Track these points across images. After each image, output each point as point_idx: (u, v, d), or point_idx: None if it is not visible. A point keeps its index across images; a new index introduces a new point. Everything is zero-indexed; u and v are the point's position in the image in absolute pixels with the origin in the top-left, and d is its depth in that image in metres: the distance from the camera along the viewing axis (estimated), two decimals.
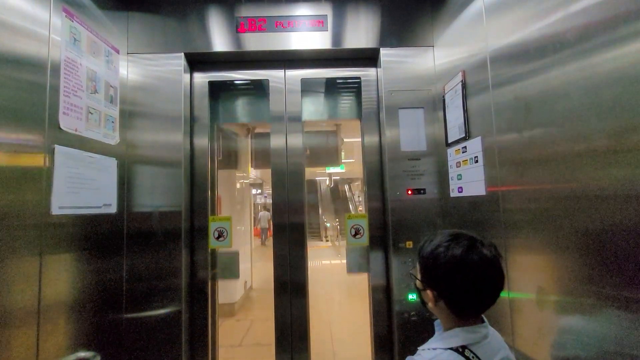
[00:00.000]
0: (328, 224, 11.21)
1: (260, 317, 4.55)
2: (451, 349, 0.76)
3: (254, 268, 5.70)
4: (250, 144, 2.86)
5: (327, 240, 10.95)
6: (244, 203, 5.44)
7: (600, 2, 0.72)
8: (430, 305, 0.83)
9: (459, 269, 0.75)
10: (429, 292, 0.81)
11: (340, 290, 5.40)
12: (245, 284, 5.22)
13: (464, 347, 0.75)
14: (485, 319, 0.83)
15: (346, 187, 12.75)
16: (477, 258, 0.75)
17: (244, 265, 5.54)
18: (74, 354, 1.15)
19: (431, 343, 0.82)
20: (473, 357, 0.74)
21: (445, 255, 0.77)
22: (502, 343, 0.82)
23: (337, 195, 12.97)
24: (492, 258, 0.76)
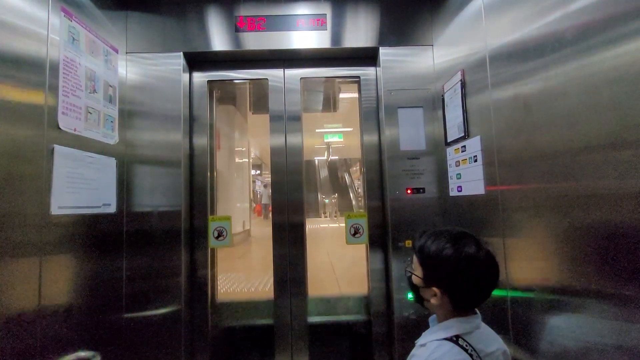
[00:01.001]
0: (327, 200, 11.62)
1: (257, 249, 5.65)
2: (446, 339, 0.79)
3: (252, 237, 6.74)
4: (248, 89, 2.85)
5: (325, 217, 11.42)
6: (243, 178, 5.90)
7: (598, 1, 0.72)
8: (433, 301, 0.84)
9: (469, 267, 0.78)
10: (434, 289, 0.83)
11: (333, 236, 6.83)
12: (243, 223, 5.87)
13: (457, 337, 0.79)
14: (477, 310, 0.86)
15: (346, 175, 12.67)
16: (484, 256, 0.79)
17: (244, 215, 5.94)
18: (74, 353, 1.15)
19: (428, 336, 0.85)
20: (467, 346, 0.77)
21: (456, 253, 0.79)
22: (495, 336, 0.86)
23: (335, 178, 12.89)
24: (493, 255, 0.81)
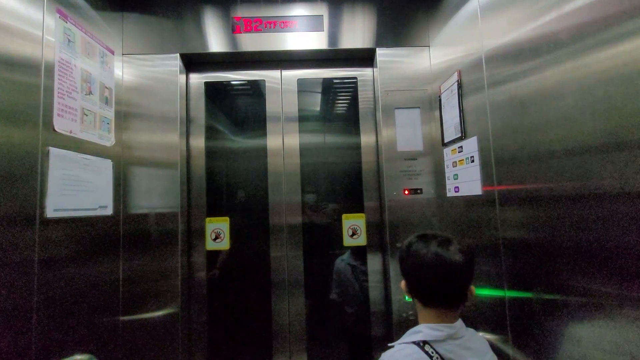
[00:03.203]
0: None
1: None
2: (413, 342, 0.80)
3: None
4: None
5: None
6: None
7: (593, 2, 0.72)
8: (405, 292, 0.96)
9: (410, 260, 0.90)
10: (402, 282, 0.96)
11: None
12: None
13: (424, 342, 0.80)
14: (462, 323, 0.86)
15: None
16: (432, 254, 0.86)
17: None
18: (71, 357, 1.14)
19: (399, 340, 0.87)
20: (433, 353, 0.77)
21: (407, 248, 0.93)
22: (481, 353, 0.85)
23: None
24: (442, 255, 0.85)
